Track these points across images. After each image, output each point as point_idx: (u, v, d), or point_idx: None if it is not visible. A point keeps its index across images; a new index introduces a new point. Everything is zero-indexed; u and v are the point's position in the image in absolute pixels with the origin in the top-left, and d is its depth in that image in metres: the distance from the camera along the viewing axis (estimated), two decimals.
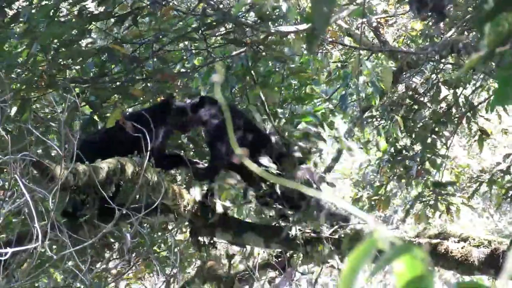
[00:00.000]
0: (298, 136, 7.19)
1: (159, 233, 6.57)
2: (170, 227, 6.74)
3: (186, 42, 7.33)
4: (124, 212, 4.35)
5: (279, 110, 7.21)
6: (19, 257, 4.09)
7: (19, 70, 6.39)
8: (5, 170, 5.33)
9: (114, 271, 6.14)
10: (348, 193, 7.52)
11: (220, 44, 7.26)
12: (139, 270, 6.97)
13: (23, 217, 4.56)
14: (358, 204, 7.86)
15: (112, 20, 6.54)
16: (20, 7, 6.65)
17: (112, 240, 6.16)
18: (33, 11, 6.11)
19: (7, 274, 4.11)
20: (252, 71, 6.96)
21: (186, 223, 6.39)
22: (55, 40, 6.15)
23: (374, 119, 7.84)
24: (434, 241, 5.69)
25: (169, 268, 6.98)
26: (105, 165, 5.20)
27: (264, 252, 6.89)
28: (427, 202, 7.77)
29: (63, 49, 6.11)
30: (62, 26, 5.97)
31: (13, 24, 6.19)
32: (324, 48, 8.15)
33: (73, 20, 6.06)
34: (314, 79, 7.59)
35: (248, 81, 7.06)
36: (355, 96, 8.28)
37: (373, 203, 7.67)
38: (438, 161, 7.68)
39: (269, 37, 6.41)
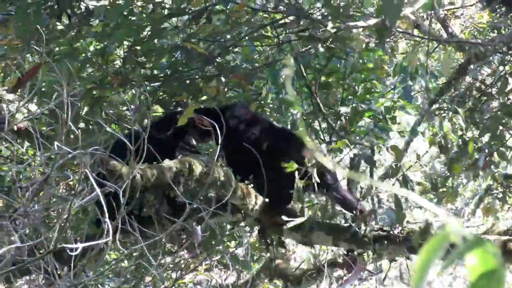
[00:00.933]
0: (362, 132, 7.18)
1: (229, 228, 6.60)
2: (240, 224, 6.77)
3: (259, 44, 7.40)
4: (194, 207, 4.39)
5: (342, 109, 7.23)
6: (90, 254, 4.15)
7: (91, 70, 6.53)
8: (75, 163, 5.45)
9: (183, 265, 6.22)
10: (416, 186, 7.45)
11: (292, 40, 7.27)
12: (208, 263, 7.05)
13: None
14: (426, 197, 7.77)
15: (186, 17, 6.63)
16: (92, 6, 6.79)
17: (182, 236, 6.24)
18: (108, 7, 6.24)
19: (77, 270, 4.18)
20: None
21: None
22: (129, 38, 6.27)
23: (442, 111, 7.77)
24: (504, 238, 5.58)
25: (239, 262, 7.04)
26: (172, 165, 5.26)
27: (332, 251, 6.88)
28: (496, 195, 7.68)
29: (137, 47, 6.22)
30: (137, 24, 6.07)
31: (87, 22, 6.31)
32: (392, 39, 8.11)
33: (147, 17, 6.15)
34: (382, 69, 7.56)
35: (314, 79, 7.09)
36: (418, 88, 8.23)
37: (441, 195, 7.60)
38: (507, 153, 7.56)
39: (340, 32, 6.40)
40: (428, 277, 1.35)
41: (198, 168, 5.38)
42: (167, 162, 5.18)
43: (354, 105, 7.39)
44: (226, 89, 6.93)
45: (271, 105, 7.45)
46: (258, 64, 7.34)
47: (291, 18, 6.48)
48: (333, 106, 7.34)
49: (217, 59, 6.78)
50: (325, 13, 6.48)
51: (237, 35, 6.87)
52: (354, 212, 5.94)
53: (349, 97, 7.44)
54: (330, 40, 6.47)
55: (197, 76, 6.74)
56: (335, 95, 7.39)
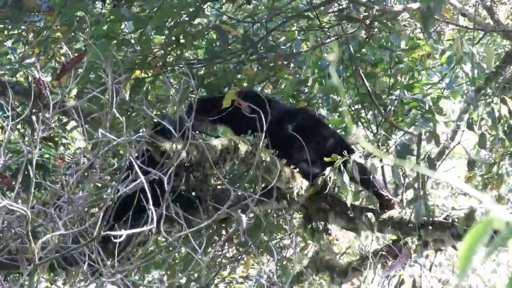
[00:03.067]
0: (408, 123, 7.25)
1: (275, 216, 6.70)
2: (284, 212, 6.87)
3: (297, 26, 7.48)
4: (239, 194, 4.50)
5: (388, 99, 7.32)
6: (134, 240, 4.27)
7: (131, 50, 6.65)
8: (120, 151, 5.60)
9: (229, 254, 6.35)
10: (462, 173, 7.49)
11: (332, 23, 7.34)
12: (254, 253, 7.15)
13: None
14: (471, 183, 7.81)
15: None
16: None
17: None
18: None
19: (122, 257, 4.31)
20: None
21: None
22: (168, 20, 6.37)
23: (488, 97, 7.78)
24: None
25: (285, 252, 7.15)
26: (218, 142, 5.40)
27: (377, 238, 6.95)
28: None
29: (177, 29, 6.33)
30: (176, 6, 6.16)
31: (127, 5, 6.44)
32: (438, 26, 8.13)
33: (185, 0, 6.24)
34: (429, 55, 7.61)
35: (354, 69, 7.15)
36: (464, 79, 8.25)
37: (486, 182, 7.61)
38: None
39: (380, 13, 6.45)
40: (473, 264, 1.43)
41: (243, 147, 5.52)
42: (212, 140, 5.32)
43: (399, 95, 7.48)
44: (270, 74, 7.03)
45: (318, 96, 7.56)
46: (302, 49, 7.43)
47: None
48: (380, 96, 7.43)
49: (259, 41, 6.87)
50: None
51: (277, 17, 6.97)
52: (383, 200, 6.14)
53: (396, 87, 7.53)
54: (370, 20, 6.52)
55: (236, 59, 6.85)
56: (382, 85, 7.47)
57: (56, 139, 7.07)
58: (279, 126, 6.10)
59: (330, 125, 6.94)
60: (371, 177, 6.04)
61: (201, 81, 6.79)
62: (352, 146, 6.41)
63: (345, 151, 5.93)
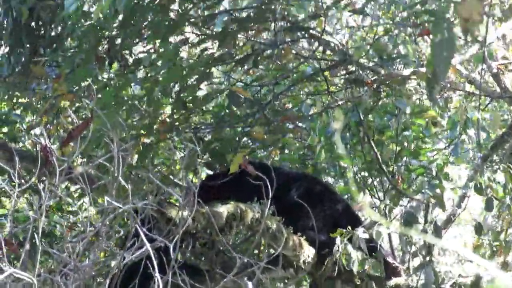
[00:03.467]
0: (415, 190, 7.28)
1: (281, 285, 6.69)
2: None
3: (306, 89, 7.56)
4: (245, 261, 4.50)
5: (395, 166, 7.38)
6: None
7: (137, 117, 6.70)
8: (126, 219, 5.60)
9: None
10: (469, 240, 7.50)
11: (339, 87, 7.43)
12: None
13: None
14: (479, 251, 7.81)
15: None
16: (140, 52, 7.01)
17: None
18: (154, 56, 6.43)
19: None
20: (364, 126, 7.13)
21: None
22: (176, 85, 6.44)
23: (494, 164, 7.82)
24: None
25: None
26: (224, 209, 5.42)
27: None
28: None
29: (185, 93, 6.38)
30: (183, 69, 6.23)
31: (134, 70, 6.51)
32: (444, 94, 8.22)
33: (193, 63, 6.31)
34: (435, 123, 7.67)
35: (362, 137, 7.21)
36: (470, 145, 8.29)
37: (494, 249, 7.61)
38: None
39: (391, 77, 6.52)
40: None
41: (249, 214, 5.53)
42: (219, 206, 5.33)
43: (406, 162, 7.54)
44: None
45: (324, 165, 7.63)
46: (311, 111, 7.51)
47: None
48: (387, 163, 7.48)
49: (267, 105, 6.93)
50: (372, 56, 6.64)
51: (285, 81, 7.04)
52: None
53: (403, 154, 7.59)
54: (377, 83, 6.59)
55: (243, 123, 6.91)
56: (389, 152, 7.53)
57: (64, 207, 7.10)
58: (284, 192, 6.12)
59: (336, 191, 6.95)
60: (377, 245, 6.05)
61: (206, 146, 6.83)
62: (358, 213, 6.43)
63: (351, 219, 5.96)
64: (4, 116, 7.85)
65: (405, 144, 7.67)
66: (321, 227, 6.09)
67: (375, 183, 7.76)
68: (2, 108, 7.97)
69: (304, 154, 7.70)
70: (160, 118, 6.59)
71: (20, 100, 7.91)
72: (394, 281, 6.30)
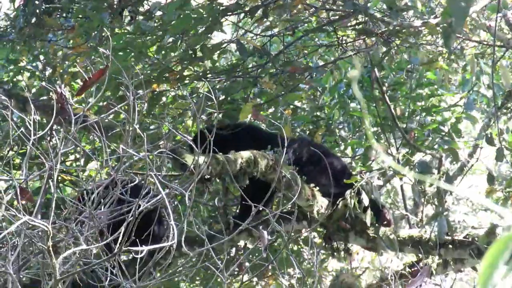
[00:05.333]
0: (428, 146, 7.21)
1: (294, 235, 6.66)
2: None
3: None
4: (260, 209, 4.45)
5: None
6: (156, 256, 4.22)
7: (149, 63, 6.64)
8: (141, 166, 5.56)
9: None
10: (483, 189, 7.43)
11: (351, 37, 7.33)
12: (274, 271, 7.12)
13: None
14: (492, 198, 7.76)
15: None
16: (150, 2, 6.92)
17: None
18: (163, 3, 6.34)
19: (144, 272, 4.26)
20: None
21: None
22: (184, 32, 6.35)
23: (509, 111, 7.75)
24: None
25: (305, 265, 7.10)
26: (238, 156, 5.37)
27: (398, 258, 6.89)
28: None
29: (193, 39, 6.30)
30: (193, 18, 6.14)
31: (147, 20, 6.43)
32: (460, 43, 8.10)
33: (204, 12, 6.22)
34: (449, 80, 7.59)
35: (377, 94, 7.13)
36: (481, 99, 8.20)
37: (506, 196, 7.57)
38: None
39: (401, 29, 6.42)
40: (494, 280, 1.37)
41: (263, 161, 5.48)
42: (232, 153, 5.28)
43: (419, 119, 7.49)
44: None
45: (339, 123, 7.57)
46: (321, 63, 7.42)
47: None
48: (401, 119, 7.42)
49: (277, 56, 6.85)
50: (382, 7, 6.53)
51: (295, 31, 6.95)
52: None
53: (416, 110, 7.53)
54: (387, 35, 6.48)
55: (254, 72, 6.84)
56: (403, 109, 7.47)
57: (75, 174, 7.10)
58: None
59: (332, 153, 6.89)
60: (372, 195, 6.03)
61: (219, 106, 6.77)
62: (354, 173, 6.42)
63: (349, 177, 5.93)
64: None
65: (418, 103, 7.61)
66: (327, 183, 6.04)
67: (389, 139, 7.70)
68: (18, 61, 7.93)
69: (316, 116, 7.63)
70: (169, 67, 6.52)
71: (31, 56, 7.87)
72: (407, 232, 6.26)
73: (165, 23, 6.20)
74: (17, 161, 7.22)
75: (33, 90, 7.96)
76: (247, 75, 6.89)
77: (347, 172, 6.30)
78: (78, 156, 7.49)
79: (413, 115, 7.57)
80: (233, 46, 6.97)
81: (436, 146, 7.50)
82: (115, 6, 6.55)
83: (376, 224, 6.21)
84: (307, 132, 7.39)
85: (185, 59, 6.45)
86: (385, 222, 6.24)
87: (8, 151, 5.26)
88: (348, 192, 5.91)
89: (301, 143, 6.33)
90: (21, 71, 7.94)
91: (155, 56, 6.50)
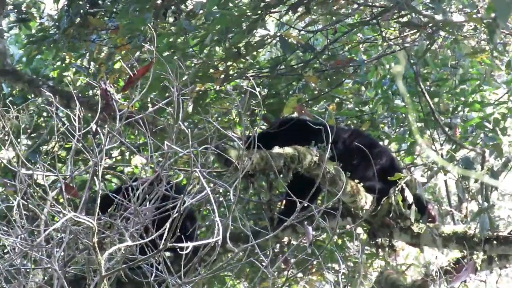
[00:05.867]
0: (472, 142, 7.12)
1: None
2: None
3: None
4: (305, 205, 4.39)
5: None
6: (200, 252, 4.19)
7: (194, 62, 6.63)
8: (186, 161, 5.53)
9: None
10: None
11: (394, 35, 7.27)
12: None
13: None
14: None
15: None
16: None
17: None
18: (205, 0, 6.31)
19: (189, 268, 4.23)
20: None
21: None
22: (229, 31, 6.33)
23: None
24: None
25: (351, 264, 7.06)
26: (282, 151, 5.32)
27: (442, 254, 6.82)
28: None
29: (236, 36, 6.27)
30: (235, 16, 6.11)
31: (191, 20, 6.42)
32: (504, 37, 7.98)
33: (246, 9, 6.19)
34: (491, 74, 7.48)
35: (417, 89, 7.05)
36: None
37: None
38: None
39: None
40: None
41: (307, 157, 5.43)
42: (276, 149, 5.24)
43: (463, 115, 7.40)
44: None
45: (382, 118, 7.51)
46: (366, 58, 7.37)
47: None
48: (444, 115, 7.34)
49: (321, 52, 6.80)
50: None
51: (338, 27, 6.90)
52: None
53: (459, 106, 7.45)
54: (430, 26, 6.39)
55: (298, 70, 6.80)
56: (446, 104, 7.39)
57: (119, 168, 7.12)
58: (333, 146, 6.04)
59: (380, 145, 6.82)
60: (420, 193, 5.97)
61: (263, 101, 6.73)
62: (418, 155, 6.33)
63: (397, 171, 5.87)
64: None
65: (462, 98, 7.52)
66: (372, 178, 5.98)
67: (432, 134, 7.61)
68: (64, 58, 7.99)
69: (361, 111, 7.57)
70: (213, 67, 6.51)
71: (77, 53, 7.93)
72: (451, 228, 6.18)
73: (207, 22, 6.18)
74: (63, 154, 7.26)
75: (78, 84, 8.03)
76: (291, 71, 6.85)
77: (395, 166, 6.24)
78: (123, 149, 7.51)
79: (457, 110, 7.48)
80: (275, 42, 6.92)
81: (480, 142, 7.39)
82: (158, 6, 6.55)
83: (421, 221, 6.14)
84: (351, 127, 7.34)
85: (229, 57, 6.42)
86: (430, 219, 6.17)
87: (54, 147, 5.26)
88: (392, 189, 5.84)
89: (351, 134, 6.29)
90: (67, 67, 8.00)
91: (199, 55, 6.48)
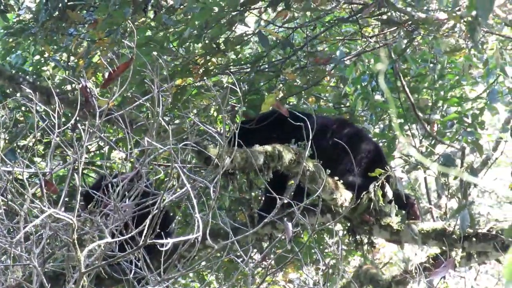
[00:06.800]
0: (451, 137, 7.17)
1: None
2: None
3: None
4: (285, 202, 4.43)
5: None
6: (180, 249, 4.22)
7: (172, 58, 6.64)
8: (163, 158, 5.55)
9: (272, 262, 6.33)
10: (508, 181, 7.40)
11: (374, 32, 7.31)
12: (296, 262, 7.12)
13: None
14: None
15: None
16: None
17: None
18: None
19: (168, 265, 4.26)
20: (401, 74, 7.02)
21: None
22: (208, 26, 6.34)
23: None
24: None
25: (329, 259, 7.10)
26: (262, 150, 5.36)
27: (421, 250, 6.88)
28: None
29: (214, 30, 6.29)
30: (213, 11, 6.13)
31: (170, 15, 6.43)
32: (483, 35, 8.05)
33: (223, 4, 6.20)
34: (470, 66, 7.54)
35: (397, 86, 7.10)
36: (505, 92, 8.14)
37: None
38: None
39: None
40: None
41: (287, 155, 5.46)
42: (257, 147, 5.27)
43: (442, 110, 7.47)
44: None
45: (360, 112, 7.56)
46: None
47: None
48: (423, 111, 7.40)
49: (301, 49, 6.83)
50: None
51: (319, 25, 6.93)
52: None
53: (439, 101, 7.51)
54: (411, 25, 6.45)
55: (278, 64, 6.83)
56: (425, 100, 7.44)
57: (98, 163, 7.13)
58: (319, 139, 6.05)
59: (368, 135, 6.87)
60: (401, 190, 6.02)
61: (243, 97, 6.76)
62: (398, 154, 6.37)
63: (383, 162, 5.90)
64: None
65: (442, 92, 7.58)
66: (357, 171, 6.03)
67: (413, 130, 7.68)
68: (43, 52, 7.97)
69: (339, 103, 7.62)
70: (192, 61, 6.52)
71: (56, 47, 7.91)
72: (431, 225, 6.24)
73: (186, 17, 6.20)
74: (41, 148, 7.26)
75: (57, 79, 8.00)
76: (271, 67, 6.88)
77: (383, 158, 6.29)
78: (102, 144, 7.52)
79: (436, 106, 7.55)
80: (256, 38, 6.94)
81: (459, 138, 7.46)
82: (138, 1, 6.55)
83: (400, 217, 6.20)
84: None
85: (209, 52, 6.44)
86: (413, 217, 6.22)
87: (34, 144, 5.27)
88: (371, 185, 5.88)
89: (339, 125, 6.32)
90: (46, 61, 7.99)
91: (178, 49, 6.50)
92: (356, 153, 6.05)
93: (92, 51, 6.89)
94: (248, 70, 6.86)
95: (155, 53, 5.87)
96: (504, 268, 1.37)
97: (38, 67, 8.05)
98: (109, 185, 4.32)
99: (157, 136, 4.31)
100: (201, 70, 6.44)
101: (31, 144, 6.60)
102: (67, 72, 7.62)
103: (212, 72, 6.61)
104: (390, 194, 5.84)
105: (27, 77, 7.65)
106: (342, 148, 5.84)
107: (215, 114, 7.10)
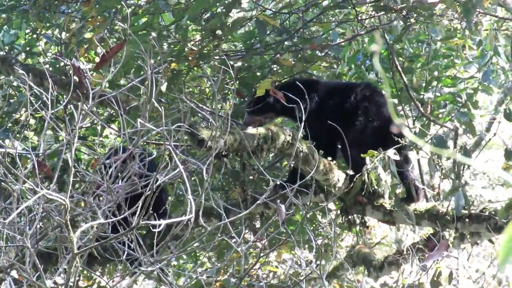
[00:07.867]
0: (445, 117, 7.20)
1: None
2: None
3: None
4: (277, 183, 4.47)
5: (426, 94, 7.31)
6: (173, 230, 4.25)
7: (168, 42, 6.65)
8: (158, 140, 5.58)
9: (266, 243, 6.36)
10: (501, 164, 7.45)
11: (369, 15, 7.32)
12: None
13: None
14: (509, 173, 7.77)
15: None
16: None
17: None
18: None
19: (161, 246, 4.29)
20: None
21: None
22: (205, 13, 6.36)
23: None
24: None
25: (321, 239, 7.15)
26: (255, 132, 5.39)
27: (414, 232, 6.92)
28: None
29: (214, 20, 6.30)
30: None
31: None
32: (476, 16, 8.07)
33: None
34: (464, 46, 7.57)
35: (392, 67, 7.12)
36: (499, 72, 8.17)
37: None
38: None
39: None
40: None
41: (280, 137, 5.50)
42: (250, 129, 5.30)
43: (436, 90, 7.49)
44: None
45: None
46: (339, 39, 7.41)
47: None
48: (417, 90, 7.43)
49: (296, 32, 6.85)
50: None
51: (315, 9, 6.94)
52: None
53: (433, 81, 7.53)
54: (406, 11, 6.47)
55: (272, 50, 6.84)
56: (419, 80, 7.47)
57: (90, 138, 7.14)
58: (328, 104, 6.09)
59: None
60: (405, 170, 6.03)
61: (236, 74, 6.78)
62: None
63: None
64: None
65: (436, 73, 7.60)
66: (369, 141, 6.00)
67: (406, 110, 7.71)
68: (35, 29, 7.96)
69: None
70: (189, 45, 6.54)
71: (48, 24, 7.89)
72: (424, 206, 6.28)
73: (183, 2, 6.21)
74: (32, 122, 7.27)
75: (49, 55, 8.00)
76: (266, 51, 6.91)
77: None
78: (95, 122, 7.53)
79: (430, 86, 7.58)
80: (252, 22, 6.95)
81: (453, 118, 7.49)
82: None
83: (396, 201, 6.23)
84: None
85: (205, 38, 6.46)
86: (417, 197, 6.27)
87: (25, 126, 5.29)
88: (364, 167, 5.90)
89: (363, 88, 6.32)
90: (38, 37, 7.98)
91: (174, 35, 6.51)
92: (377, 119, 6.07)
93: (85, 29, 6.88)
94: (243, 54, 6.87)
95: (154, 34, 5.91)
96: (499, 249, 1.40)
97: (31, 43, 8.03)
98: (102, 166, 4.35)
99: (151, 118, 4.33)
100: (196, 55, 6.45)
101: (22, 118, 6.61)
102: (59, 47, 7.61)
103: (207, 57, 6.62)
104: (383, 175, 5.85)
105: (20, 55, 7.64)
106: (364, 112, 5.86)
107: (209, 94, 7.12)
